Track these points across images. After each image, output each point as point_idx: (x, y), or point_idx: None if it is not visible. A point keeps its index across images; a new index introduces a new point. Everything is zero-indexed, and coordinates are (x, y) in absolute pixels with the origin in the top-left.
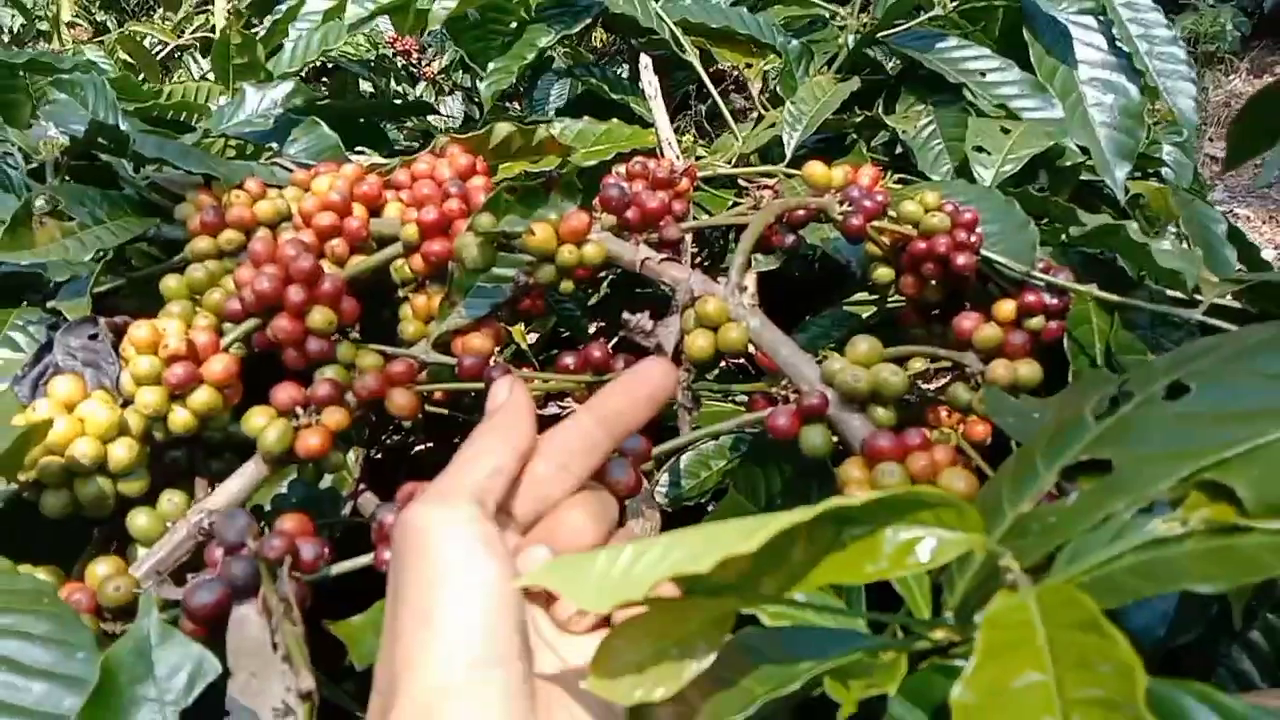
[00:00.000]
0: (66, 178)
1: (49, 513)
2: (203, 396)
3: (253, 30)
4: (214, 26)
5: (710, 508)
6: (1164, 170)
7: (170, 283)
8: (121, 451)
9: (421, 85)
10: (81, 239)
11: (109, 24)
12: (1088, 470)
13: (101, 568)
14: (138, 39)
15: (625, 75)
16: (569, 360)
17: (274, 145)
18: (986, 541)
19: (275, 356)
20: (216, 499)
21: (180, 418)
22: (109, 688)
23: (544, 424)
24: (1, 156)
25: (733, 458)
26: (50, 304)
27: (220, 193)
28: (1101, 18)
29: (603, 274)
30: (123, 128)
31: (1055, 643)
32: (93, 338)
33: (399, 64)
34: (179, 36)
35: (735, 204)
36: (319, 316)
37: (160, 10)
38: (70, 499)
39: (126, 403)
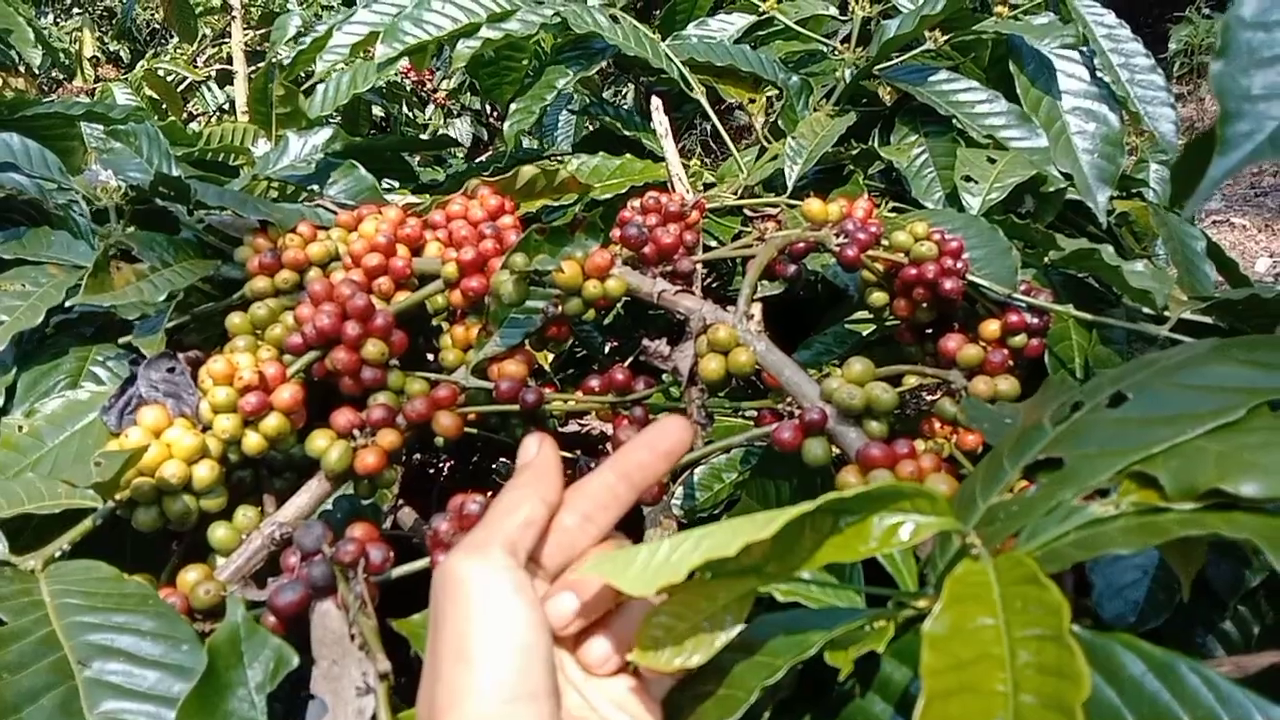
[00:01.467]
0: (129, 223)
1: (141, 527)
2: (273, 422)
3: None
4: (229, 57)
5: (723, 519)
6: (1147, 190)
7: (235, 319)
8: (204, 471)
9: (431, 108)
10: (154, 281)
11: (122, 54)
12: (1045, 467)
13: (191, 574)
14: (159, 74)
15: (628, 101)
16: (594, 382)
17: (315, 187)
18: (955, 522)
19: (331, 385)
20: (286, 512)
21: (253, 441)
22: (211, 673)
23: (568, 442)
24: (68, 204)
25: (743, 470)
26: (125, 340)
27: (275, 236)
28: (1084, 50)
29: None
30: (179, 176)
31: (1005, 595)
32: (171, 370)
33: (408, 88)
34: (196, 69)
35: (741, 232)
36: (372, 348)
37: (174, 41)
38: (159, 515)
39: (205, 428)
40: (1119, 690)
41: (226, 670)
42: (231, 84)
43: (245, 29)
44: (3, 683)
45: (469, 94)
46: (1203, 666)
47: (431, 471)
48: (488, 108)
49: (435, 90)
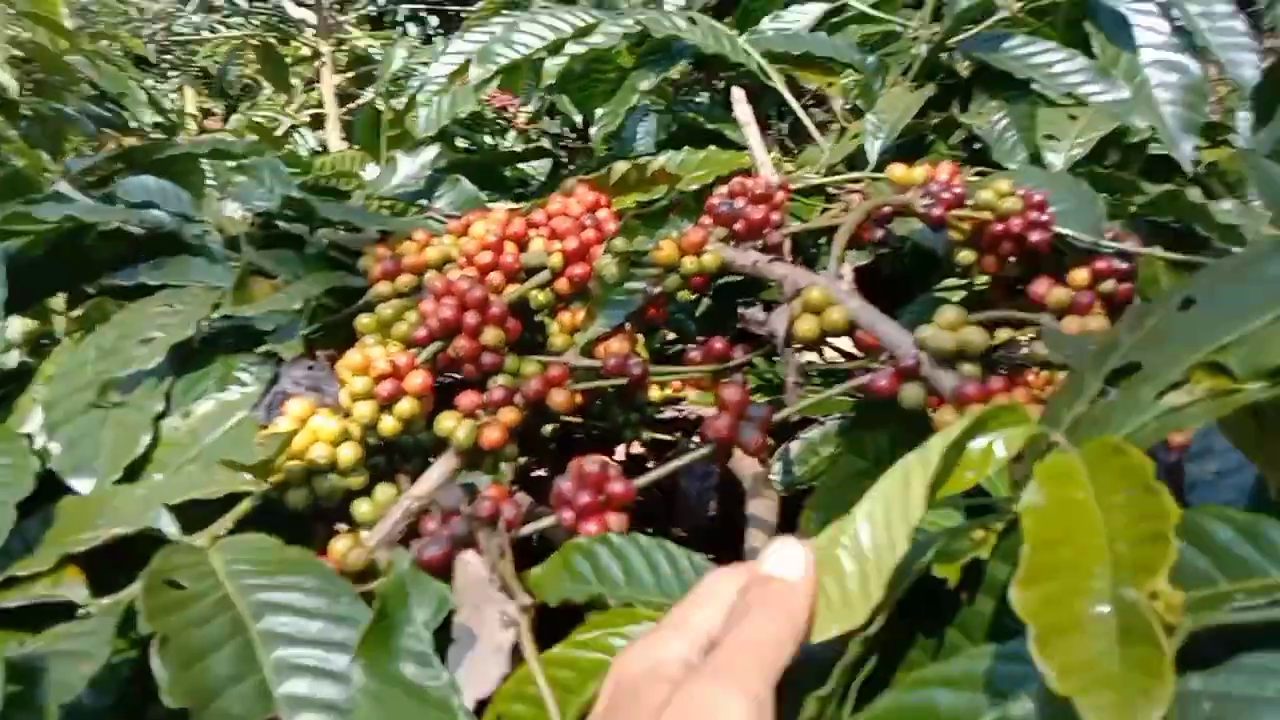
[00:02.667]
0: (259, 246)
1: (293, 506)
2: (406, 406)
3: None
4: (321, 103)
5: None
6: (1235, 137)
7: (364, 320)
8: (348, 452)
9: (512, 134)
10: (288, 293)
11: (215, 109)
12: (1124, 374)
13: (341, 543)
14: (257, 121)
15: (707, 102)
16: (695, 354)
17: (423, 201)
18: (1042, 429)
19: (454, 375)
20: (420, 487)
21: (388, 424)
22: (383, 614)
23: (664, 427)
24: (202, 234)
25: (839, 444)
26: (265, 348)
27: (394, 245)
28: (1160, 2)
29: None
30: (304, 197)
31: (1094, 470)
32: (310, 369)
33: (490, 116)
34: (293, 114)
35: (825, 209)
36: (490, 335)
37: (266, 92)
38: (309, 494)
39: (345, 415)
40: (1210, 555)
41: (396, 610)
42: (324, 127)
43: (335, 72)
44: (191, 635)
45: (547, 118)
46: None
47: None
48: (566, 129)
49: (515, 117)
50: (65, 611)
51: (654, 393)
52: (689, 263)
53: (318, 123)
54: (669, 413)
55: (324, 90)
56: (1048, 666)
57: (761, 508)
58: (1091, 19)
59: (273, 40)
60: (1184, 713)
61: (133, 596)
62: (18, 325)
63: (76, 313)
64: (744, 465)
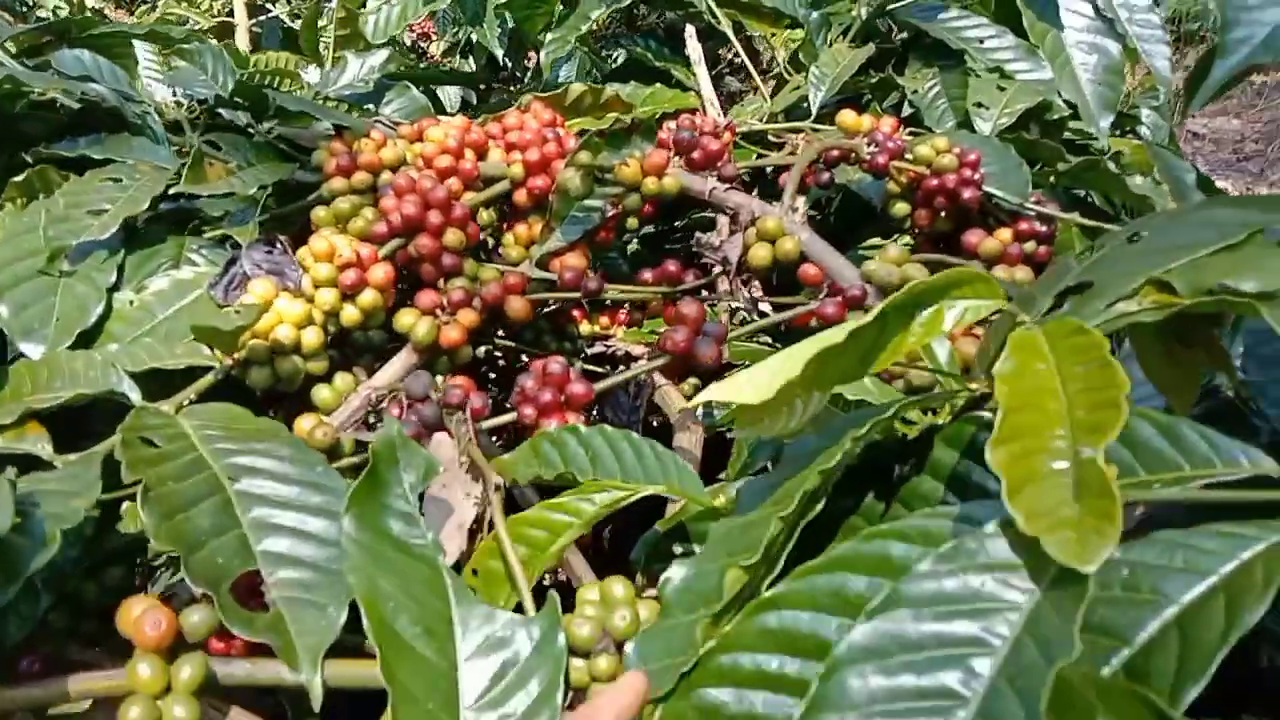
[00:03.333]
0: (204, 132)
1: (254, 385)
2: (369, 297)
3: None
4: (231, 11)
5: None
6: (1141, 129)
7: (320, 212)
8: (311, 336)
9: (424, 66)
10: (242, 178)
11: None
12: (1076, 292)
13: (307, 422)
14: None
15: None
16: (647, 275)
17: (370, 106)
18: (1009, 304)
19: (408, 275)
20: (380, 378)
21: (350, 314)
22: (374, 472)
23: (595, 361)
24: (144, 114)
25: None
26: (218, 232)
27: (349, 141)
28: None
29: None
30: (258, 86)
31: (1054, 345)
32: (269, 251)
33: (408, 45)
34: (208, 16)
35: (761, 155)
36: (452, 236)
37: None
38: (271, 374)
39: (309, 301)
40: (1132, 449)
41: (386, 470)
42: (231, 37)
43: None
44: (170, 488)
45: (459, 57)
46: (1204, 427)
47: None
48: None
49: (428, 49)
50: (27, 464)
51: (584, 327)
52: (651, 183)
53: (224, 32)
54: (598, 347)
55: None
56: (1017, 511)
57: (687, 440)
58: None
59: None
60: (1106, 576)
61: (107, 449)
62: None
63: (17, 179)
64: (671, 400)
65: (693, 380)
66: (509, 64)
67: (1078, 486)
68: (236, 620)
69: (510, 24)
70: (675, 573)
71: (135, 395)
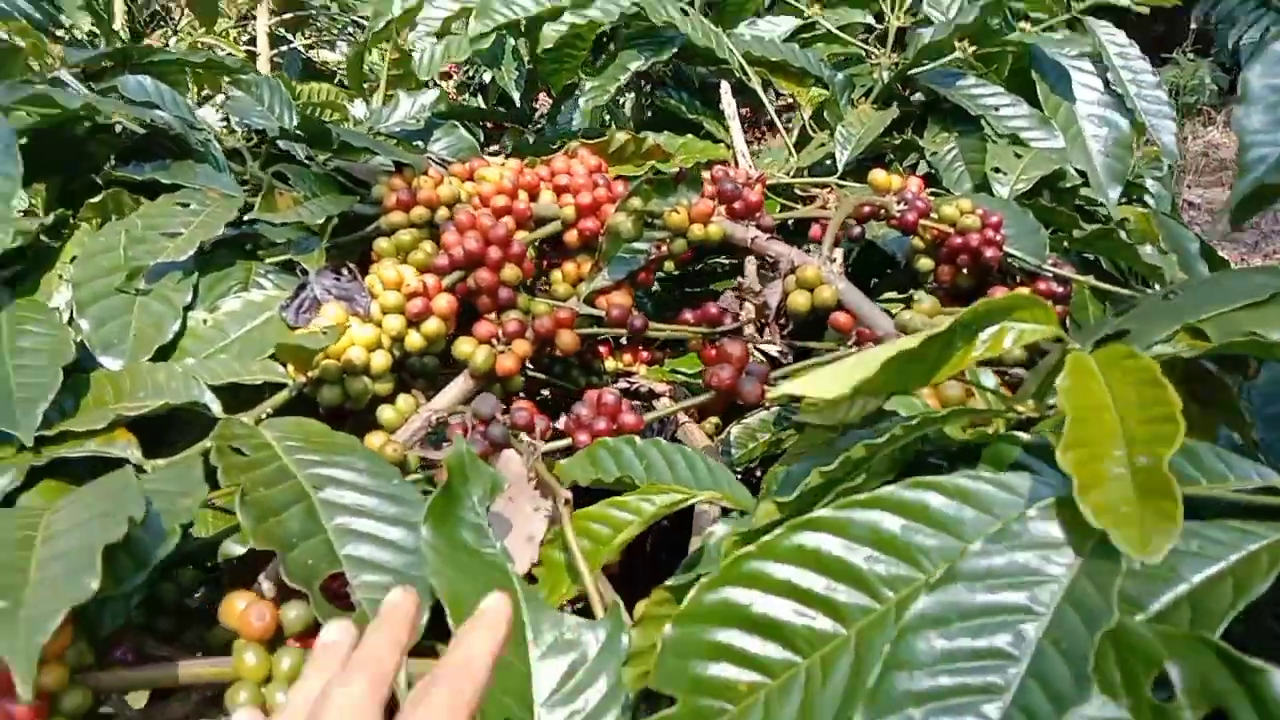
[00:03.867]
0: (265, 162)
1: (324, 403)
2: (433, 325)
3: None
4: (253, 40)
5: (759, 473)
6: (1147, 198)
7: (383, 244)
8: (380, 359)
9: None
10: (309, 208)
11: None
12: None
13: (376, 438)
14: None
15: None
16: (688, 315)
17: (419, 143)
18: (1060, 331)
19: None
20: (439, 401)
21: (414, 340)
22: (449, 486)
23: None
24: (205, 142)
25: (776, 431)
26: (284, 257)
27: (409, 177)
28: (1098, 62)
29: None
30: (322, 120)
31: (1105, 370)
32: (338, 279)
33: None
34: (238, 47)
35: (787, 207)
36: (510, 271)
37: (185, 21)
38: (341, 393)
39: (377, 325)
40: None
41: (459, 485)
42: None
43: (270, 14)
44: (263, 495)
45: (469, 96)
46: (1220, 448)
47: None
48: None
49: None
50: (114, 467)
51: (609, 363)
52: (697, 230)
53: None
54: (621, 383)
55: (259, 30)
56: (1086, 507)
57: None
58: (1037, 69)
59: None
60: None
61: (198, 453)
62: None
63: (93, 201)
64: (694, 437)
65: (713, 419)
66: (520, 105)
67: (1139, 489)
68: (327, 616)
69: (526, 67)
70: (719, 529)
71: (216, 407)
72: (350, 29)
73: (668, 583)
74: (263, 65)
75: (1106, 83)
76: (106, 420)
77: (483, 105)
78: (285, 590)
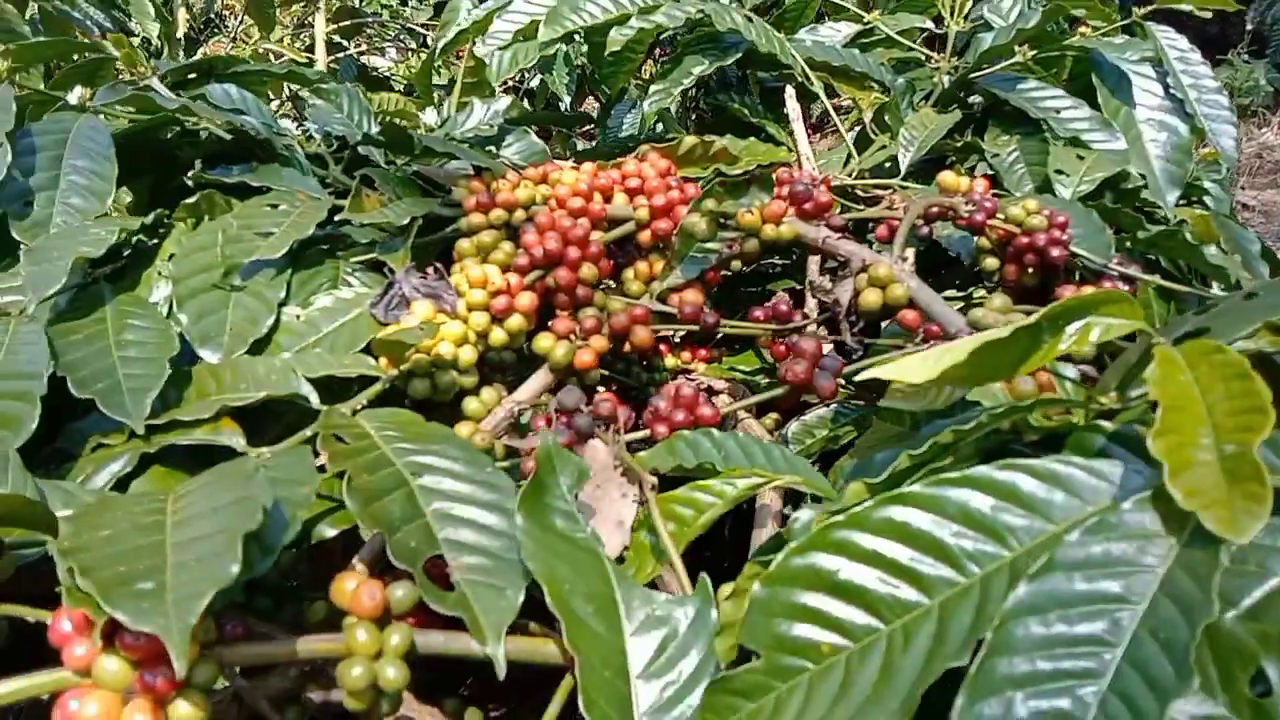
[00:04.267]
0: (348, 166)
1: (414, 395)
2: (515, 322)
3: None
4: (309, 46)
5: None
6: (1207, 200)
7: (464, 245)
8: (466, 353)
9: None
10: (394, 209)
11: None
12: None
13: (465, 428)
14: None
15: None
16: (759, 312)
17: (491, 148)
18: (1145, 324)
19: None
20: (521, 394)
21: (498, 335)
22: (538, 476)
23: None
24: (289, 147)
25: (834, 428)
26: (369, 256)
27: (487, 180)
28: (1158, 67)
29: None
30: (404, 126)
31: (1191, 363)
32: (425, 277)
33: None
34: (300, 53)
35: (848, 208)
36: (588, 270)
37: (242, 26)
38: (430, 385)
39: (463, 322)
40: None
41: (547, 475)
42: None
43: (327, 20)
44: (366, 480)
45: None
46: None
47: None
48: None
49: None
50: (222, 455)
51: (669, 360)
52: (769, 230)
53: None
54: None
55: (317, 36)
56: (1176, 490)
57: None
58: (1097, 72)
59: None
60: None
61: (301, 441)
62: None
63: (188, 202)
64: (755, 433)
65: (772, 416)
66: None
67: (1228, 473)
68: (432, 596)
69: (576, 72)
70: (804, 513)
71: (314, 398)
72: (401, 35)
73: (758, 557)
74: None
75: (1166, 87)
76: (212, 410)
77: (530, 109)
78: (376, 572)
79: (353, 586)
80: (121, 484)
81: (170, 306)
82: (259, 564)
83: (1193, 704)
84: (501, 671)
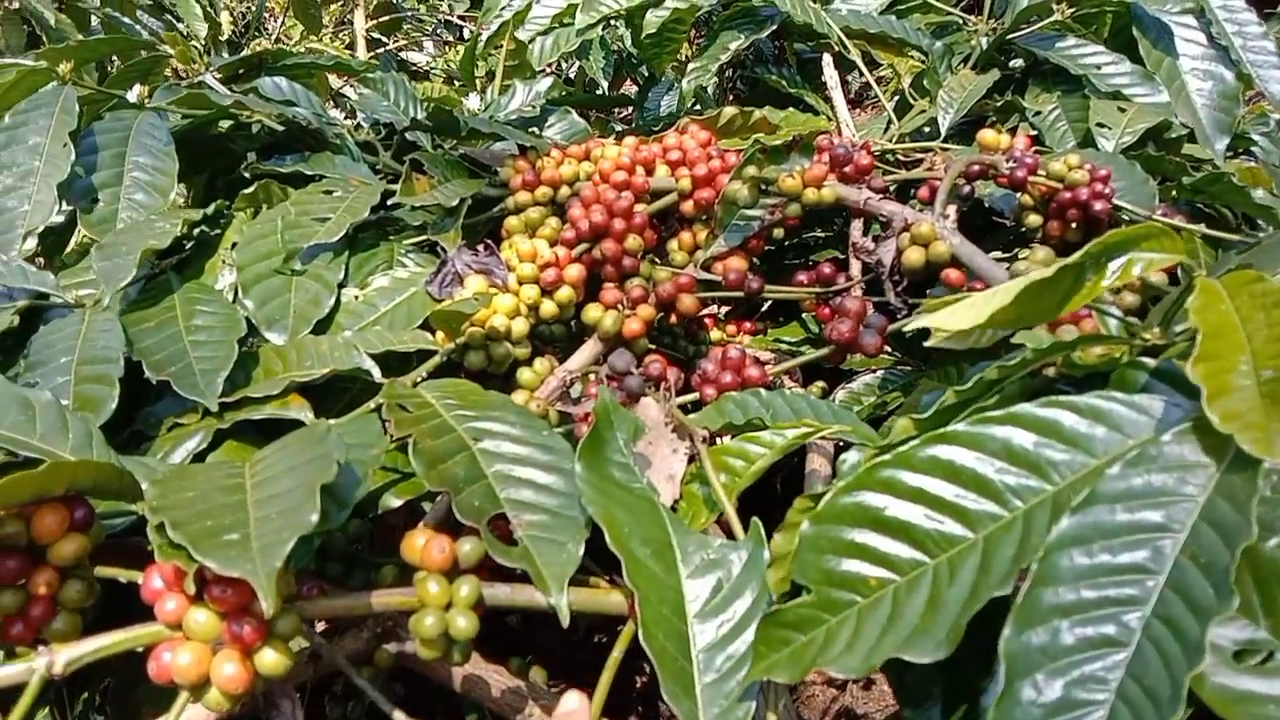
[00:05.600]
0: (396, 152)
1: (470, 366)
2: (565, 293)
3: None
4: (348, 44)
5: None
6: (1255, 150)
7: (512, 221)
8: (520, 325)
9: None
10: (444, 191)
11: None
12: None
13: (519, 396)
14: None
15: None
16: (802, 276)
17: (534, 129)
18: (1187, 258)
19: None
20: (572, 363)
21: (549, 307)
22: (596, 430)
23: None
24: (340, 135)
25: (881, 395)
26: (422, 238)
27: (532, 159)
28: (1200, 17)
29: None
30: (450, 111)
31: (1232, 292)
32: (476, 254)
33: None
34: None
35: (886, 173)
36: (633, 241)
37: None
38: (485, 357)
39: (515, 295)
40: None
41: (606, 429)
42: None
43: (366, 17)
44: (431, 445)
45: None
46: None
47: None
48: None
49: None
50: (291, 429)
51: (714, 334)
52: (810, 194)
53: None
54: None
55: (356, 33)
56: (1214, 414)
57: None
58: (1138, 25)
59: None
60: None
61: (367, 412)
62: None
63: (247, 192)
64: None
65: (819, 384)
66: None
67: (1266, 397)
68: (498, 550)
69: (613, 57)
70: (852, 455)
71: (377, 372)
72: (439, 29)
73: (809, 493)
74: None
75: (1210, 36)
76: (280, 387)
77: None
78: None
79: (422, 542)
80: (198, 460)
81: (235, 293)
82: (335, 516)
83: (1235, 628)
84: (565, 619)
